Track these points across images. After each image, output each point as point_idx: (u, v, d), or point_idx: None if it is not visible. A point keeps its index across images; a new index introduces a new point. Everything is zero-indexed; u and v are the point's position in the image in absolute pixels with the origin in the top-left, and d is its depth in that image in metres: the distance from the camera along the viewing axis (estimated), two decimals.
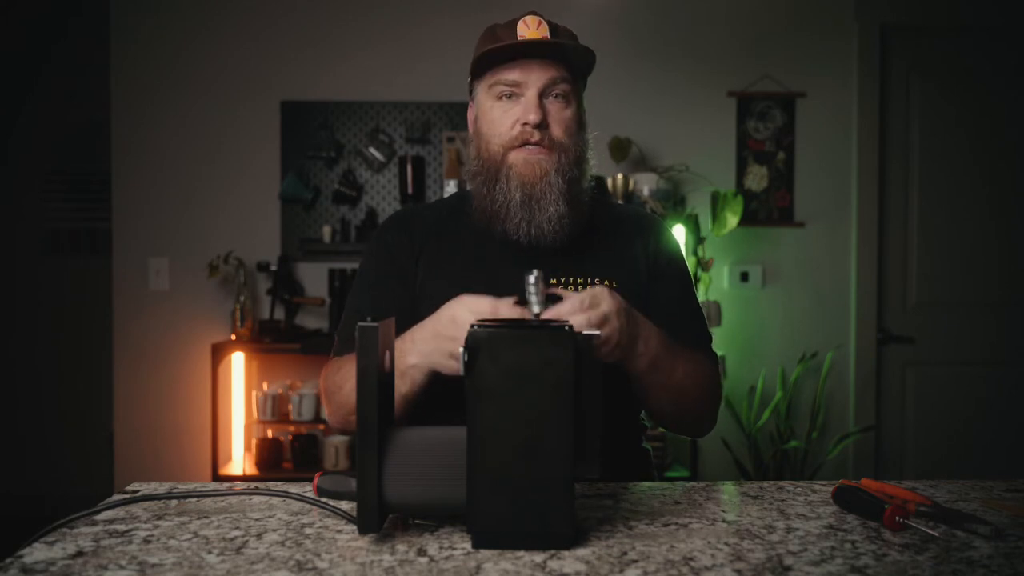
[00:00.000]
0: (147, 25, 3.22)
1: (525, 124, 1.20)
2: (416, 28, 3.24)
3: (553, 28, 1.23)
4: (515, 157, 1.22)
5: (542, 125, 1.21)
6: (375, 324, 0.82)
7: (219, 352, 3.02)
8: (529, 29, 1.21)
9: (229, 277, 3.16)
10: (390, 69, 3.25)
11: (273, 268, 3.14)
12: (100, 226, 3.94)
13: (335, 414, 1.25)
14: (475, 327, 0.82)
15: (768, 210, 3.28)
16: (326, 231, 3.18)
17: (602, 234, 1.32)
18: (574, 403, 0.81)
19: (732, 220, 3.02)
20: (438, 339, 1.06)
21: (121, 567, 0.76)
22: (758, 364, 3.25)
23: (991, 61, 3.30)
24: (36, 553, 0.79)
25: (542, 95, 1.21)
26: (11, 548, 0.81)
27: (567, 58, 1.23)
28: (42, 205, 4.03)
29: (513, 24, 1.23)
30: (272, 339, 3.03)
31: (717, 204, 3.06)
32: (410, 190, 3.16)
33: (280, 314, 3.18)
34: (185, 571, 0.75)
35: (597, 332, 0.90)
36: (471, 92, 1.30)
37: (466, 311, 1.02)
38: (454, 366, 1.04)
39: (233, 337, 3.07)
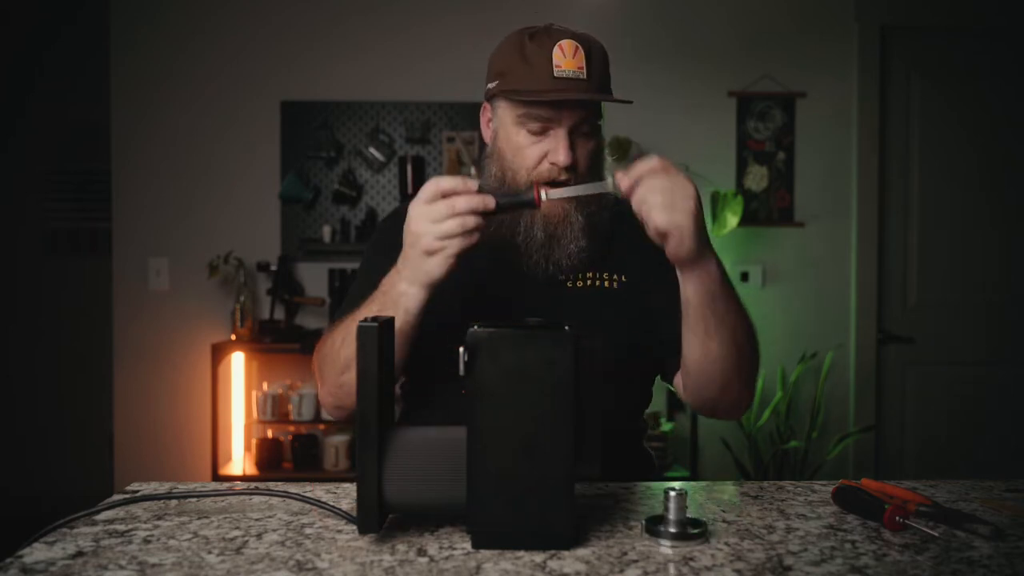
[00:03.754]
0: (147, 25, 3.22)
1: (554, 163, 1.17)
2: (416, 28, 3.24)
3: (588, 53, 1.17)
4: None
5: (571, 166, 1.18)
6: (375, 324, 0.81)
7: (219, 352, 3.02)
8: (566, 58, 1.15)
9: (229, 277, 3.15)
10: (390, 69, 3.24)
11: (273, 268, 3.14)
12: (100, 226, 3.94)
13: (328, 377, 1.17)
14: (475, 327, 0.82)
15: (768, 210, 3.28)
16: (326, 231, 3.18)
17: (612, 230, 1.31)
18: (574, 403, 0.81)
19: (732, 220, 3.02)
20: (409, 246, 1.07)
21: (121, 567, 0.76)
22: None
23: (991, 61, 3.29)
24: (36, 553, 0.79)
25: (571, 132, 1.18)
26: (11, 548, 0.81)
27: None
28: (42, 205, 4.03)
29: (548, 46, 1.16)
30: (272, 339, 3.03)
31: (717, 204, 3.06)
32: (410, 190, 3.16)
33: (280, 314, 3.17)
34: (185, 571, 0.75)
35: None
36: (488, 97, 1.25)
37: (419, 194, 1.05)
38: (432, 246, 1.03)
39: (233, 337, 3.07)
